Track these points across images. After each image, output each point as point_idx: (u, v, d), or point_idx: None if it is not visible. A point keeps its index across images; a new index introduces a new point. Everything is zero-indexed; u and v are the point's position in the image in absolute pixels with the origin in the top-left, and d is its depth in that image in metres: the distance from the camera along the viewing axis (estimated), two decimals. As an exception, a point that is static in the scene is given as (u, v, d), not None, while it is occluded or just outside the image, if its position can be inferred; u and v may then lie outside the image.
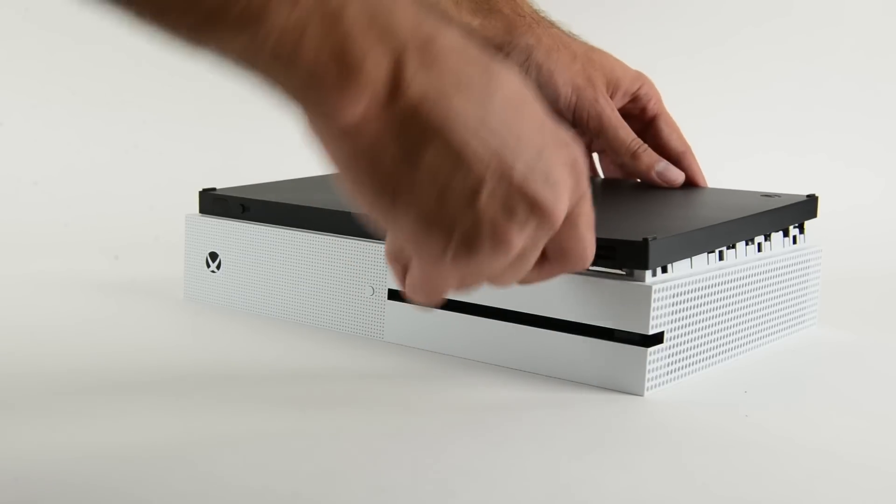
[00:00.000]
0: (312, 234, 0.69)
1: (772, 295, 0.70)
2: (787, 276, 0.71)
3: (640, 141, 0.77)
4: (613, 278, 0.57)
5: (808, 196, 0.74)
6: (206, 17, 0.36)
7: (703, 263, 0.62)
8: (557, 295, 0.59)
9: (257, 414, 0.52)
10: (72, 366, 0.59)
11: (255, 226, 0.72)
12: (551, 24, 0.78)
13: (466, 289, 0.49)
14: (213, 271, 0.75)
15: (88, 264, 0.91)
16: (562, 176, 0.46)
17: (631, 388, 0.57)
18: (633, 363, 0.57)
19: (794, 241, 0.73)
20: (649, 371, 0.57)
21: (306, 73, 0.38)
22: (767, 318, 0.69)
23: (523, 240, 0.46)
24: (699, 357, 0.62)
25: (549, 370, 0.60)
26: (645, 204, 0.71)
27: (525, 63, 0.76)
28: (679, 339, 0.59)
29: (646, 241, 0.56)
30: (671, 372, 0.59)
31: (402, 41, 0.40)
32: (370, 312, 0.67)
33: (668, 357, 0.59)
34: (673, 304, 0.58)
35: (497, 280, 0.48)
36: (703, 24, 1.40)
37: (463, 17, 0.75)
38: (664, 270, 0.58)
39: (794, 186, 0.77)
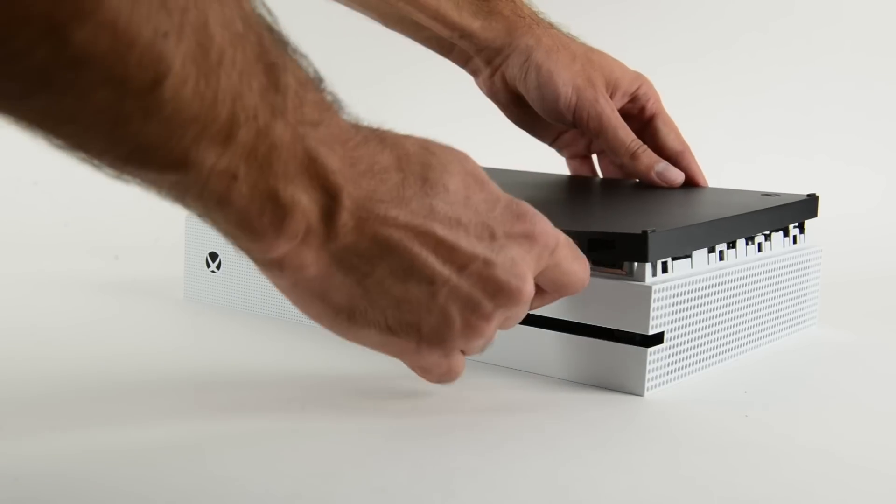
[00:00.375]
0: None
1: (772, 295, 0.70)
2: (787, 276, 0.71)
3: (639, 142, 0.77)
4: (613, 278, 0.57)
5: (808, 195, 0.74)
6: (131, 154, 0.35)
7: (703, 263, 0.62)
8: (557, 295, 0.59)
9: (257, 414, 0.52)
10: (72, 366, 0.59)
11: (255, 226, 0.72)
12: (550, 25, 0.78)
13: (473, 354, 0.50)
14: (213, 271, 0.75)
15: (88, 264, 0.91)
16: (520, 252, 0.47)
17: (631, 388, 0.57)
18: (633, 363, 0.57)
19: (795, 241, 0.73)
20: (649, 371, 0.57)
21: (237, 215, 0.38)
22: (768, 318, 0.69)
23: (495, 323, 0.47)
24: (699, 357, 0.62)
25: (549, 370, 0.60)
26: (645, 201, 0.71)
27: (525, 63, 0.76)
28: (679, 339, 0.59)
29: (645, 233, 0.55)
30: (671, 372, 0.59)
31: (334, 175, 0.40)
32: (370, 312, 0.67)
33: (669, 357, 0.59)
34: (673, 304, 0.58)
35: (490, 341, 0.50)
36: (704, 27, 1.40)
37: (464, 20, 0.75)
38: (664, 270, 0.58)
39: (794, 187, 0.77)
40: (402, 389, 0.57)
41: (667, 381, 0.59)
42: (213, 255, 0.74)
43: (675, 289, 0.58)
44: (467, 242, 0.45)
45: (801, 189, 0.81)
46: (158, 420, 0.50)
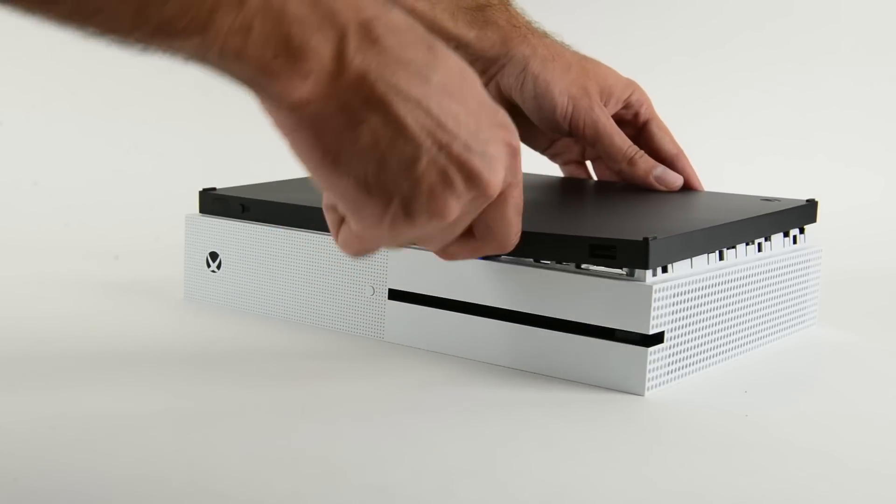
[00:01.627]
0: (312, 234, 0.69)
1: (772, 295, 0.70)
2: (787, 277, 0.71)
3: (636, 147, 0.77)
4: (614, 278, 0.57)
5: (807, 201, 0.74)
6: (156, 30, 0.38)
7: (703, 263, 0.62)
8: (558, 295, 0.59)
9: (257, 413, 0.52)
10: (72, 366, 0.59)
11: (255, 226, 0.72)
12: (545, 35, 0.78)
13: (396, 247, 0.52)
14: (213, 271, 0.75)
15: (88, 264, 0.91)
16: (498, 152, 0.49)
17: (631, 387, 0.57)
18: (633, 363, 0.57)
19: (794, 242, 0.73)
20: (650, 371, 0.57)
21: (255, 65, 0.41)
22: (768, 318, 0.69)
23: (459, 208, 0.48)
24: (700, 357, 0.62)
25: (549, 370, 0.60)
26: (644, 206, 0.71)
27: (521, 73, 0.76)
28: (679, 339, 0.59)
29: (646, 240, 0.56)
30: (672, 372, 0.59)
31: (344, 23, 0.43)
32: (370, 312, 0.67)
33: (669, 357, 0.59)
34: (673, 304, 0.58)
35: (425, 243, 0.52)
36: (702, 26, 1.40)
37: (460, 30, 0.75)
38: (664, 270, 0.58)
39: (793, 186, 0.77)
40: (402, 389, 0.57)
41: (667, 381, 0.59)
42: (214, 255, 0.74)
43: (676, 289, 0.58)
44: (454, 123, 0.47)
45: (801, 189, 0.81)
46: (158, 420, 0.50)
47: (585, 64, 0.78)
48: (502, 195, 0.51)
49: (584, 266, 0.59)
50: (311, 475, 0.44)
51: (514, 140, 0.51)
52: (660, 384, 0.58)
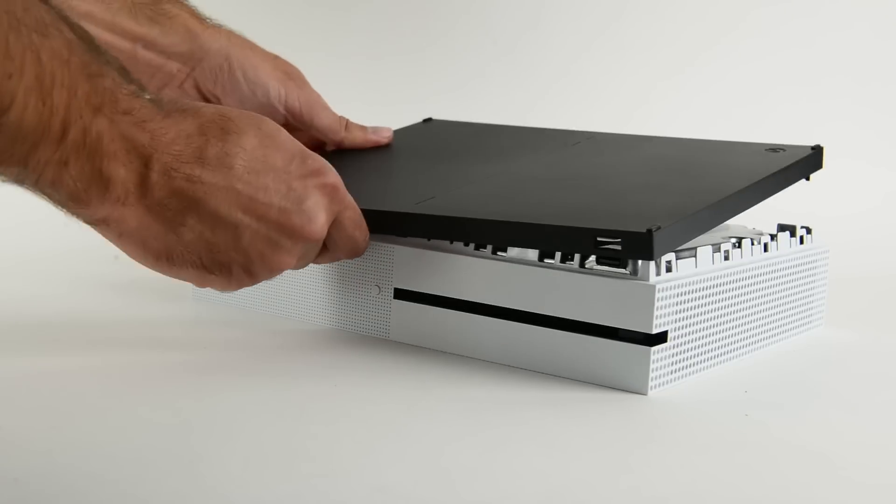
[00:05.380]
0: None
1: (778, 295, 0.69)
2: (793, 277, 0.71)
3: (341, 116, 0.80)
4: (617, 277, 0.57)
5: (812, 147, 0.72)
6: None
7: (707, 263, 0.61)
8: (561, 294, 0.59)
9: (259, 413, 0.52)
10: (72, 366, 0.59)
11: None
12: (230, 29, 0.76)
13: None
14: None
15: (88, 264, 0.91)
16: (315, 201, 0.56)
17: (634, 387, 0.57)
18: (636, 362, 0.56)
19: (801, 241, 0.73)
20: (653, 370, 0.57)
21: (67, 191, 0.47)
22: (773, 318, 0.69)
23: (294, 259, 0.56)
24: (703, 357, 0.61)
25: (552, 369, 0.60)
26: (644, 175, 0.68)
27: (224, 63, 0.74)
28: (683, 339, 0.59)
29: (650, 231, 0.54)
30: (675, 371, 0.59)
31: (145, 148, 0.50)
32: (376, 311, 0.67)
33: (672, 356, 0.58)
34: (677, 304, 0.58)
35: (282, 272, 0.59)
36: (699, 25, 1.39)
37: (143, 28, 0.72)
38: (668, 269, 0.58)
39: (800, 184, 0.76)
40: (406, 388, 0.57)
41: (670, 381, 0.58)
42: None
43: (679, 288, 0.58)
44: (265, 195, 0.54)
45: (806, 186, 0.80)
46: (159, 419, 0.50)
47: (267, 51, 0.78)
48: (337, 220, 0.58)
49: (587, 265, 0.58)
50: (311, 475, 0.44)
51: (329, 179, 0.57)
52: (663, 383, 0.58)
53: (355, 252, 0.62)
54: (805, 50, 1.37)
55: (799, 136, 1.34)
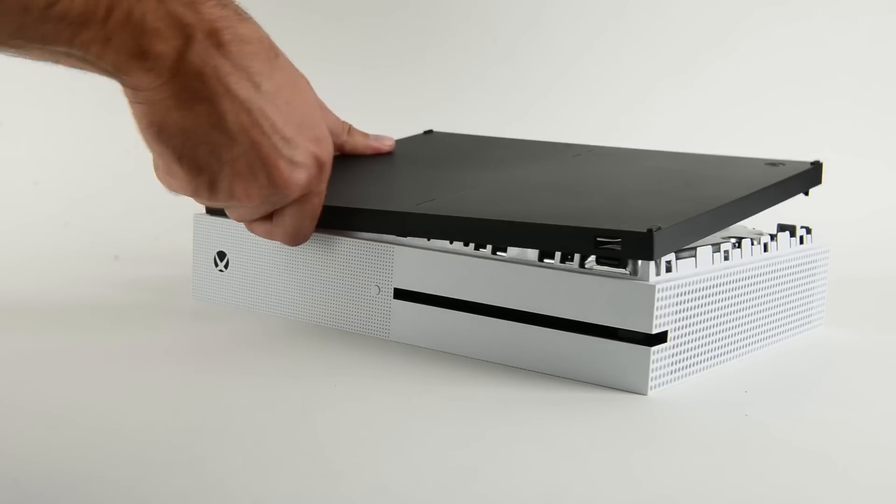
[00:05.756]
0: (319, 233, 0.68)
1: (778, 295, 0.69)
2: (793, 277, 0.71)
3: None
4: (617, 277, 0.57)
5: (812, 163, 0.73)
6: (31, 42, 0.48)
7: (707, 263, 0.61)
8: (561, 294, 0.59)
9: (259, 412, 0.52)
10: (72, 366, 0.59)
11: (258, 225, 0.72)
12: None
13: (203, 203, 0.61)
14: (220, 270, 0.75)
15: (88, 264, 0.91)
16: (306, 162, 0.58)
17: (634, 387, 0.57)
18: (636, 362, 0.56)
19: (801, 241, 0.73)
20: (653, 370, 0.56)
21: (112, 63, 0.50)
22: (773, 318, 0.69)
23: (258, 197, 0.58)
24: (703, 357, 0.61)
25: (552, 369, 0.60)
26: (644, 184, 0.69)
27: None
28: (683, 339, 0.59)
29: (650, 231, 0.55)
30: (675, 371, 0.59)
31: (191, 31, 0.52)
32: (376, 311, 0.67)
33: (672, 356, 0.58)
34: (677, 304, 0.58)
35: (228, 211, 0.63)
36: (700, 25, 1.39)
37: None
38: (668, 269, 0.58)
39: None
40: (406, 388, 0.57)
41: (670, 381, 0.58)
42: (221, 255, 0.74)
43: (679, 288, 0.58)
44: (270, 128, 0.56)
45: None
46: (159, 419, 0.50)
47: None
48: (304, 198, 0.60)
49: (587, 265, 0.58)
50: (311, 475, 0.43)
51: (324, 156, 0.59)
52: (663, 384, 0.58)
53: (294, 238, 0.63)
54: (805, 50, 1.37)
55: (799, 137, 1.34)
